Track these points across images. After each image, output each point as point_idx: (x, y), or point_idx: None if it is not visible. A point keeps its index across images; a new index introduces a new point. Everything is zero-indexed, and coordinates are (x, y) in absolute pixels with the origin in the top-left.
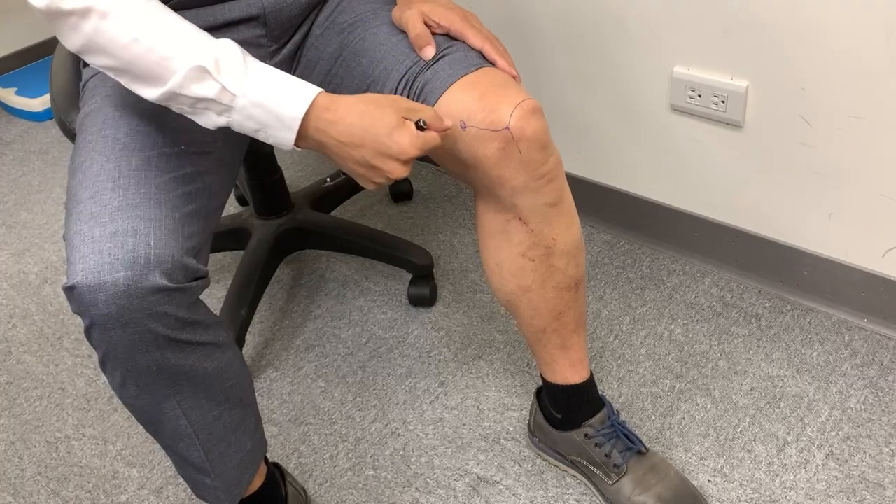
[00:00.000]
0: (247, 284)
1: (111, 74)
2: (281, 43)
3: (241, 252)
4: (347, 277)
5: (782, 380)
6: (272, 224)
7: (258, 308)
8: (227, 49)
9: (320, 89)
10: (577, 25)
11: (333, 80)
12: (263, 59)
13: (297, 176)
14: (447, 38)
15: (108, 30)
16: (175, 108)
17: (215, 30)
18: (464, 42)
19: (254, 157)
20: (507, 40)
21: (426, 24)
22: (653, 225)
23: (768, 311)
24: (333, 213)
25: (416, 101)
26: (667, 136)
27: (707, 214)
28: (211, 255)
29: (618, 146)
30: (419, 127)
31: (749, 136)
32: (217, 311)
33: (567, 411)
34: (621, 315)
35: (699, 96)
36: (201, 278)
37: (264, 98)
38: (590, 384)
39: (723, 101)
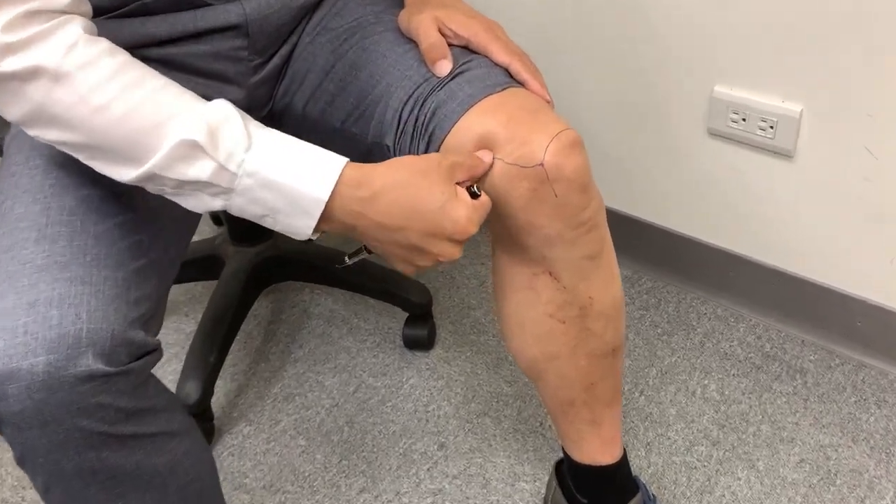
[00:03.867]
0: (217, 324)
1: (67, 150)
2: (266, 56)
3: (216, 282)
4: (334, 313)
5: (836, 450)
6: (249, 252)
7: (231, 348)
8: (223, 114)
9: (346, 159)
10: (605, 35)
11: (322, 97)
12: (245, 74)
13: None
14: (466, 52)
15: (65, 96)
16: (151, 188)
17: (186, 40)
18: (486, 57)
19: None
20: (528, 53)
21: (441, 33)
22: (680, 261)
23: (814, 365)
24: (321, 238)
25: (427, 127)
26: (702, 164)
27: (745, 252)
28: (181, 284)
29: (645, 172)
30: (472, 194)
31: (801, 168)
32: (185, 353)
33: (594, 496)
34: (647, 366)
35: (743, 120)
36: (151, 352)
37: (275, 176)
38: (622, 465)
39: (771, 127)
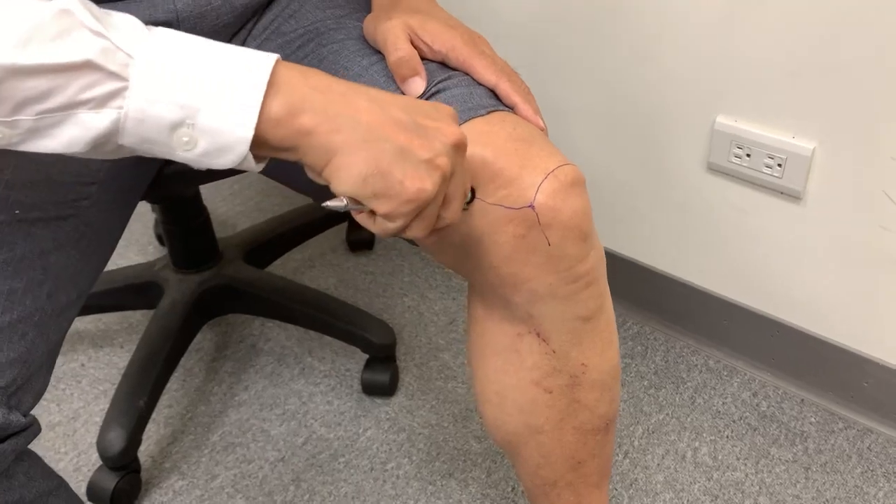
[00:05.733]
0: (150, 363)
1: None
2: None
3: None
4: (286, 350)
5: None
6: (192, 280)
7: (167, 387)
8: (102, 9)
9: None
10: (597, 56)
11: None
12: None
13: (235, 213)
14: (443, 68)
15: None
16: (2, 124)
17: None
18: (468, 74)
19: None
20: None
21: (413, 45)
22: (671, 305)
23: (816, 428)
24: (275, 264)
25: None
26: (699, 201)
27: (742, 300)
28: (118, 312)
29: (635, 207)
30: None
31: (810, 211)
32: (114, 387)
33: None
34: (632, 423)
35: (747, 156)
36: (17, 433)
37: (190, 52)
38: None
39: (779, 165)
